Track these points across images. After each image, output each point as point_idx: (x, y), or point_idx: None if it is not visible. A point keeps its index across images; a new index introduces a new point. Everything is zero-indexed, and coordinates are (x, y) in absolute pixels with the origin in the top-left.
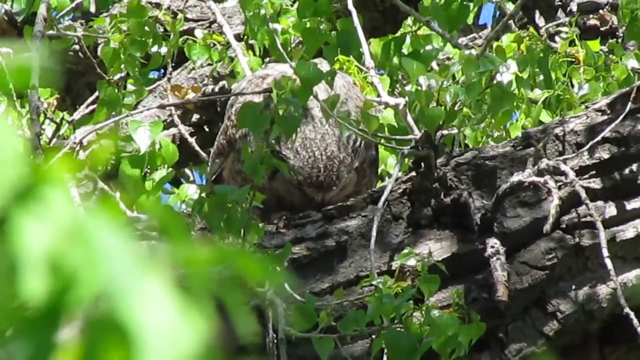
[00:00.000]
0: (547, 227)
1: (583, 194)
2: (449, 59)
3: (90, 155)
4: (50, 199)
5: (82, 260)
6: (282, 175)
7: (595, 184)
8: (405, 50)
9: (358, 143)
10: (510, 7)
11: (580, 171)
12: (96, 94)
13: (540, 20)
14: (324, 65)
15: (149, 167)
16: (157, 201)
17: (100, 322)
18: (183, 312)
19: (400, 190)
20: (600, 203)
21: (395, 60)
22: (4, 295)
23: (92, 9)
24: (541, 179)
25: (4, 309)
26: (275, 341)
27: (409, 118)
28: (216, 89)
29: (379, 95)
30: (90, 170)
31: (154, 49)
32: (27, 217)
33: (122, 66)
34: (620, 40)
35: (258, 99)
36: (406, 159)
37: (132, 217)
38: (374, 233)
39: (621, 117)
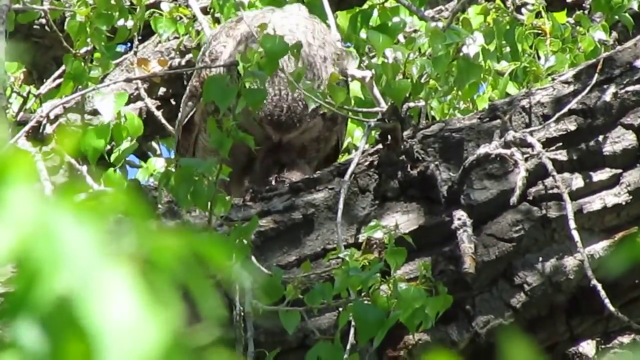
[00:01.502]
0: (513, 199)
1: (550, 166)
2: (415, 31)
3: (57, 129)
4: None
5: (45, 257)
6: (246, 109)
7: (562, 155)
8: (372, 23)
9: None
10: None
11: (547, 143)
12: (62, 67)
13: None
14: (302, 11)
15: (114, 140)
16: (124, 175)
17: (60, 318)
18: (147, 306)
19: (367, 163)
20: (567, 175)
21: (362, 33)
22: None
23: None
24: (508, 151)
25: None
26: (242, 314)
27: (376, 90)
28: (183, 62)
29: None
30: (57, 144)
31: (120, 22)
32: None
33: (89, 40)
34: (587, 12)
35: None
36: (373, 132)
37: (98, 190)
38: (340, 206)
39: (587, 88)
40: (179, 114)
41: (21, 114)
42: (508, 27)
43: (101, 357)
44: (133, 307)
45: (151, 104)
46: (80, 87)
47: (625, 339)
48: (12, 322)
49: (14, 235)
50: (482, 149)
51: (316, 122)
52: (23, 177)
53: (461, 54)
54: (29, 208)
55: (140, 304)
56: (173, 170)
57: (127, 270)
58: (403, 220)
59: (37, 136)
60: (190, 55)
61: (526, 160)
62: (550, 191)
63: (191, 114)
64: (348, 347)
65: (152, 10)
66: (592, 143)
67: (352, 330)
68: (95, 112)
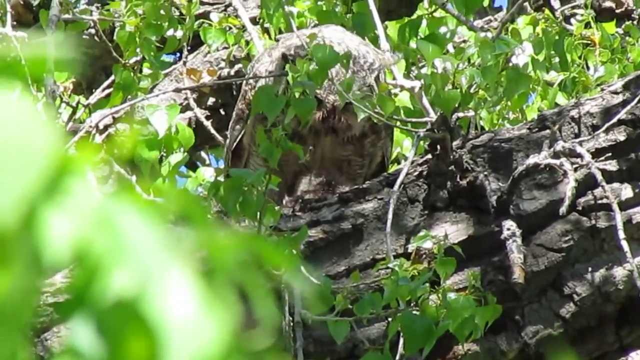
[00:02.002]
0: (563, 209)
1: (599, 176)
2: (464, 41)
3: (107, 139)
4: (74, 189)
5: (107, 250)
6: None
7: (611, 165)
8: (421, 33)
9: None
10: None
11: (596, 153)
12: (112, 77)
13: (555, 3)
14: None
15: (165, 150)
16: (173, 185)
17: (121, 315)
18: (207, 303)
19: (416, 173)
20: (616, 185)
21: (412, 43)
22: (29, 288)
23: None
24: (557, 161)
25: (28, 302)
26: (292, 324)
27: (425, 101)
28: (232, 73)
29: (394, 78)
30: (106, 154)
31: (170, 32)
32: (51, 210)
33: (138, 50)
34: (635, 22)
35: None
36: (422, 142)
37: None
38: (390, 216)
39: (637, 99)
40: (227, 140)
41: (70, 123)
42: (557, 37)
43: (165, 355)
44: (193, 306)
45: (200, 114)
46: (129, 97)
47: None
48: (72, 317)
49: (75, 228)
50: (532, 159)
51: (385, 142)
52: (85, 171)
53: (510, 64)
54: (91, 201)
55: (200, 304)
56: (222, 180)
57: (188, 270)
58: (452, 230)
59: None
60: (240, 65)
61: (575, 170)
62: (600, 201)
63: (239, 137)
64: (397, 357)
65: (201, 20)
66: None
67: (401, 341)
68: (145, 122)
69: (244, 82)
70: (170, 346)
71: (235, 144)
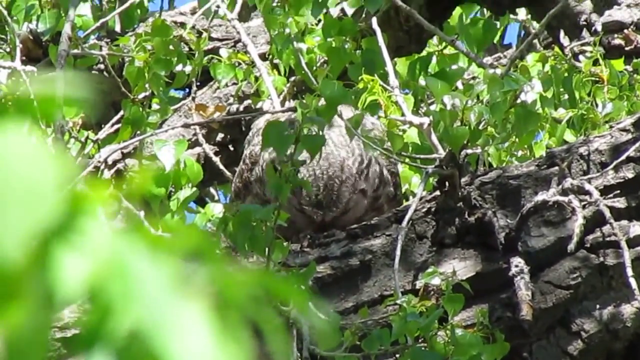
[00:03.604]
0: (571, 246)
1: (607, 213)
2: (473, 78)
3: (116, 174)
4: (87, 229)
5: (119, 291)
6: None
7: (620, 203)
8: (430, 70)
9: (364, 165)
10: (535, 26)
11: (605, 190)
12: (121, 112)
13: (564, 40)
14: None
15: (173, 186)
16: (182, 220)
17: (133, 353)
18: (220, 339)
19: (425, 210)
20: (624, 222)
21: (421, 79)
22: (42, 324)
23: (117, 28)
24: (565, 198)
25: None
26: None
27: (433, 137)
28: (241, 108)
29: (403, 114)
30: (115, 190)
31: (179, 67)
32: (64, 248)
33: (147, 85)
34: None
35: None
36: (430, 178)
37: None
38: (398, 252)
39: None
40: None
41: (79, 159)
42: (566, 74)
43: None
44: (206, 343)
45: (209, 149)
46: (138, 132)
47: None
48: (86, 354)
49: (88, 267)
50: (540, 196)
51: (357, 199)
52: (99, 210)
53: (519, 101)
54: (105, 240)
55: (213, 340)
56: (231, 216)
57: (200, 306)
58: (460, 266)
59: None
60: (249, 101)
61: (584, 207)
62: (608, 238)
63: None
64: None
65: (210, 56)
66: None
67: None
68: (153, 158)
69: (242, 160)
70: None
71: None
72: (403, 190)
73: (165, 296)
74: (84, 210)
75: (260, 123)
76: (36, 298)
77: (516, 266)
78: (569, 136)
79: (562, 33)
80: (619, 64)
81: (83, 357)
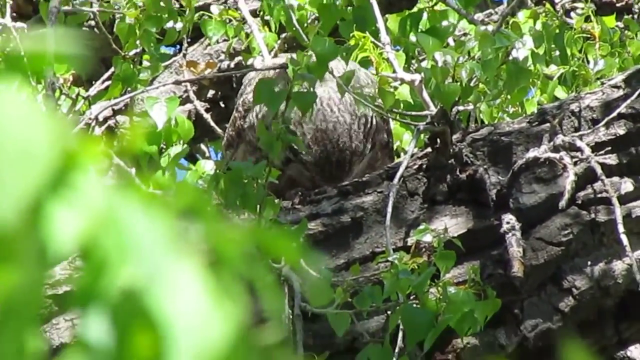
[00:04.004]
0: (562, 203)
1: (599, 170)
2: (465, 35)
3: (107, 131)
4: (79, 186)
5: (113, 246)
6: (296, 165)
7: (611, 159)
8: (421, 27)
9: (369, 126)
10: None
11: (596, 147)
12: (112, 69)
13: None
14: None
15: (164, 143)
16: (173, 177)
17: (127, 310)
18: (215, 296)
19: (416, 166)
20: (616, 179)
21: (412, 36)
22: (36, 282)
23: None
24: (557, 155)
25: (34, 295)
26: (291, 317)
27: (425, 94)
28: (232, 65)
29: (394, 71)
30: (106, 147)
31: (170, 24)
32: (56, 205)
33: (138, 42)
34: (635, 16)
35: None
36: (422, 135)
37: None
38: (389, 209)
39: (637, 93)
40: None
41: (70, 116)
42: (557, 31)
43: (170, 350)
44: (201, 300)
45: (200, 106)
46: (129, 89)
47: None
48: (80, 312)
49: (81, 223)
50: (531, 153)
51: (363, 163)
52: (92, 165)
53: (510, 57)
54: (98, 196)
55: (207, 297)
56: (222, 173)
57: (195, 263)
58: (452, 223)
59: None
60: (240, 57)
61: (575, 164)
62: (599, 195)
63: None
64: (397, 350)
65: (201, 12)
66: None
67: (400, 334)
68: (144, 115)
69: (235, 108)
70: (177, 340)
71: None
72: (394, 147)
73: (159, 252)
74: (76, 166)
75: (252, 74)
76: (29, 255)
77: (507, 223)
78: (561, 93)
79: None
80: (610, 20)
81: (74, 313)
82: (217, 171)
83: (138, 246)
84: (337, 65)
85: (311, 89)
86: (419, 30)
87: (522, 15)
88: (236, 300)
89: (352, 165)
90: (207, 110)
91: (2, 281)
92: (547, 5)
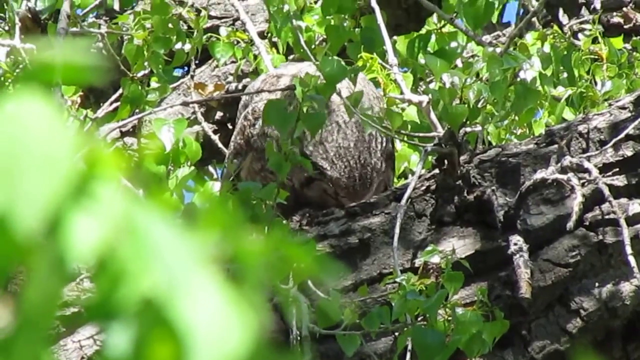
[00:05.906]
0: (570, 224)
1: (606, 191)
2: (472, 56)
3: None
4: (100, 194)
5: (133, 256)
6: (318, 184)
7: (619, 181)
8: (430, 48)
9: (384, 144)
10: (534, 4)
11: (604, 168)
12: (120, 91)
13: (563, 18)
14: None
15: (172, 164)
16: (181, 199)
17: (149, 318)
18: (234, 308)
19: (424, 188)
20: (623, 200)
21: (420, 58)
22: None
23: (116, 6)
24: (564, 176)
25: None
26: (299, 338)
27: (432, 115)
28: (239, 87)
29: (402, 93)
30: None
31: (178, 46)
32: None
33: (146, 63)
34: None
35: (274, 97)
36: (429, 156)
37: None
38: (397, 230)
39: None
40: (224, 172)
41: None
42: (565, 52)
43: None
44: (222, 309)
45: (208, 128)
46: (137, 110)
47: None
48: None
49: (101, 232)
50: (539, 174)
51: (386, 174)
52: (112, 173)
53: (518, 79)
54: (117, 204)
55: (228, 307)
56: (230, 193)
57: (215, 273)
58: (459, 245)
59: None
60: (248, 79)
61: (583, 185)
62: (607, 216)
63: (237, 171)
64: None
65: (209, 34)
66: None
67: (408, 355)
68: (152, 136)
69: (242, 117)
70: (197, 350)
71: (232, 178)
72: (402, 168)
73: (179, 262)
74: (97, 175)
75: (256, 84)
76: (48, 265)
77: (515, 244)
78: (568, 114)
79: (561, 11)
80: (618, 42)
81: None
82: (224, 192)
83: (158, 256)
84: (349, 85)
85: (320, 110)
86: (427, 52)
87: (530, 37)
88: (256, 311)
89: (372, 182)
90: (215, 132)
91: (20, 292)
92: (555, 27)
